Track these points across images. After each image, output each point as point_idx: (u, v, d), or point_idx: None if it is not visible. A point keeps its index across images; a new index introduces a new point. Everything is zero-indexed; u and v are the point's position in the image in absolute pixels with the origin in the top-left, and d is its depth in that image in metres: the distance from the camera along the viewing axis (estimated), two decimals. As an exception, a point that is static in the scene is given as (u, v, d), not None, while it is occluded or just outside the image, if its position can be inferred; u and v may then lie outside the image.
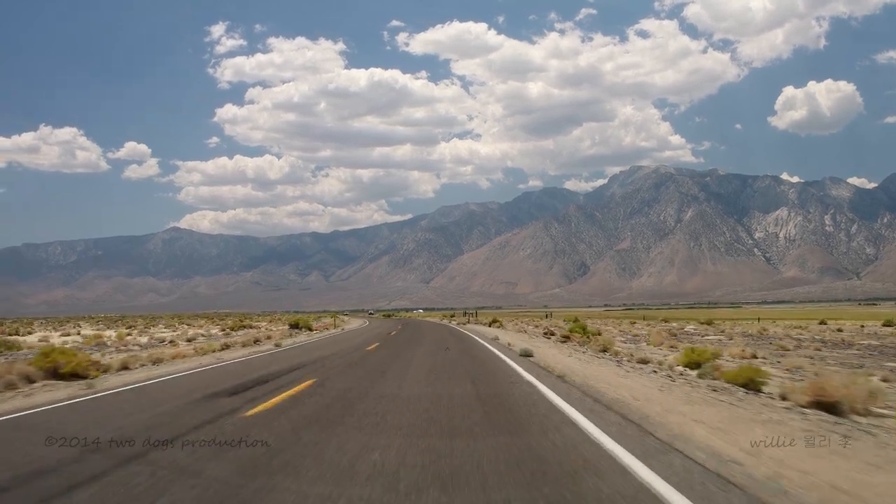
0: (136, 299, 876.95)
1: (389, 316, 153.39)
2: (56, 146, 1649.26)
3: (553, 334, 37.21)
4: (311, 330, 50.65)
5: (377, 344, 28.96)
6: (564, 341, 29.36)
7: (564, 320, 68.19)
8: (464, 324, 68.71)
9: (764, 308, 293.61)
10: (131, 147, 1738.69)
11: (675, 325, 66.10)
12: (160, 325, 68.25)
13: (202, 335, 40.89)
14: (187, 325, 76.28)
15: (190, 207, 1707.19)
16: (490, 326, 54.70)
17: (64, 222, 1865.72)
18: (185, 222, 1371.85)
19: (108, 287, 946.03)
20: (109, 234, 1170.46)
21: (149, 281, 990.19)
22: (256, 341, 30.95)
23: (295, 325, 51.77)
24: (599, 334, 32.45)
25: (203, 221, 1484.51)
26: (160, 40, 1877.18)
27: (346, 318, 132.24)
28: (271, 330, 48.04)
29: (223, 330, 52.55)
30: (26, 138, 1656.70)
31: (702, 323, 64.91)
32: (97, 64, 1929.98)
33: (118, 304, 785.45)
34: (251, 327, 55.80)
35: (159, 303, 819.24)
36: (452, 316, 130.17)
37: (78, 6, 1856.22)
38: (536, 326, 56.17)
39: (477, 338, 33.98)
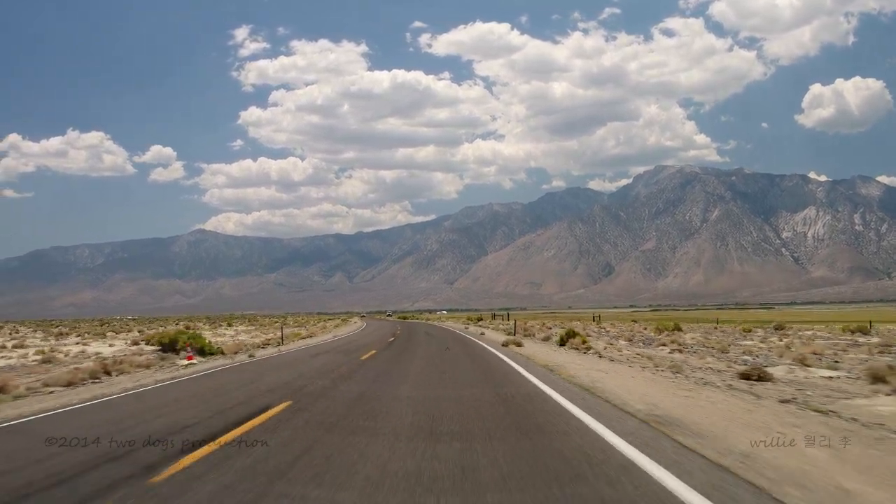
0: (162, 301, 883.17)
1: (405, 318, 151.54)
2: (83, 150, 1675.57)
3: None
4: (204, 354, 26.34)
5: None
6: None
7: (654, 325, 56.52)
8: (515, 343, 29.58)
9: (797, 309, 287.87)
10: (157, 150, 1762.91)
11: (808, 331, 48.01)
12: (90, 334, 60.43)
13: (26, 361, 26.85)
14: (142, 330, 69.93)
15: (215, 210, 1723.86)
16: (564, 346, 28.78)
17: (91, 225, 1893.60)
18: (211, 224, 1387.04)
19: (134, 289, 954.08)
20: (135, 236, 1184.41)
21: (174, 283, 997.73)
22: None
23: (170, 347, 28.01)
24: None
25: (228, 223, 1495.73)
26: (184, 45, 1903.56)
27: (358, 320, 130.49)
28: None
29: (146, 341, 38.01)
30: (54, 143, 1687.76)
31: (840, 329, 47.23)
32: (123, 69, 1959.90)
33: (144, 306, 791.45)
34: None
35: (185, 304, 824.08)
36: (479, 319, 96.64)
37: (104, 12, 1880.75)
38: (613, 339, 37.73)
39: None
